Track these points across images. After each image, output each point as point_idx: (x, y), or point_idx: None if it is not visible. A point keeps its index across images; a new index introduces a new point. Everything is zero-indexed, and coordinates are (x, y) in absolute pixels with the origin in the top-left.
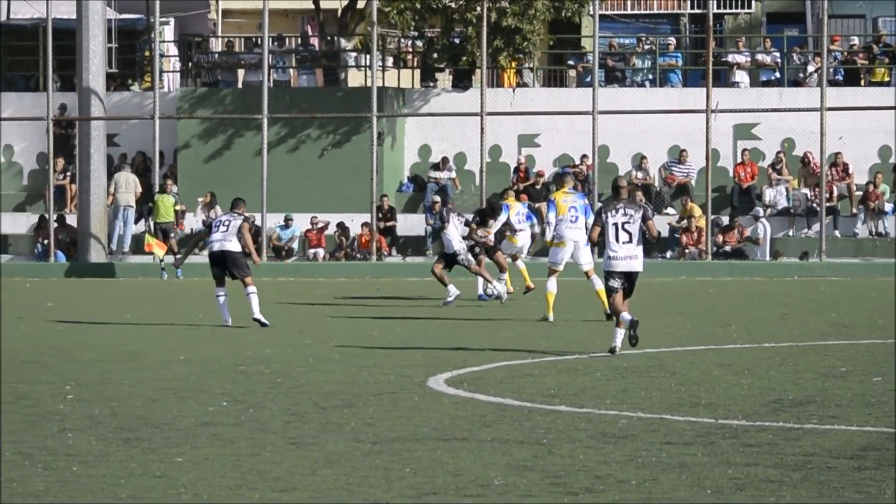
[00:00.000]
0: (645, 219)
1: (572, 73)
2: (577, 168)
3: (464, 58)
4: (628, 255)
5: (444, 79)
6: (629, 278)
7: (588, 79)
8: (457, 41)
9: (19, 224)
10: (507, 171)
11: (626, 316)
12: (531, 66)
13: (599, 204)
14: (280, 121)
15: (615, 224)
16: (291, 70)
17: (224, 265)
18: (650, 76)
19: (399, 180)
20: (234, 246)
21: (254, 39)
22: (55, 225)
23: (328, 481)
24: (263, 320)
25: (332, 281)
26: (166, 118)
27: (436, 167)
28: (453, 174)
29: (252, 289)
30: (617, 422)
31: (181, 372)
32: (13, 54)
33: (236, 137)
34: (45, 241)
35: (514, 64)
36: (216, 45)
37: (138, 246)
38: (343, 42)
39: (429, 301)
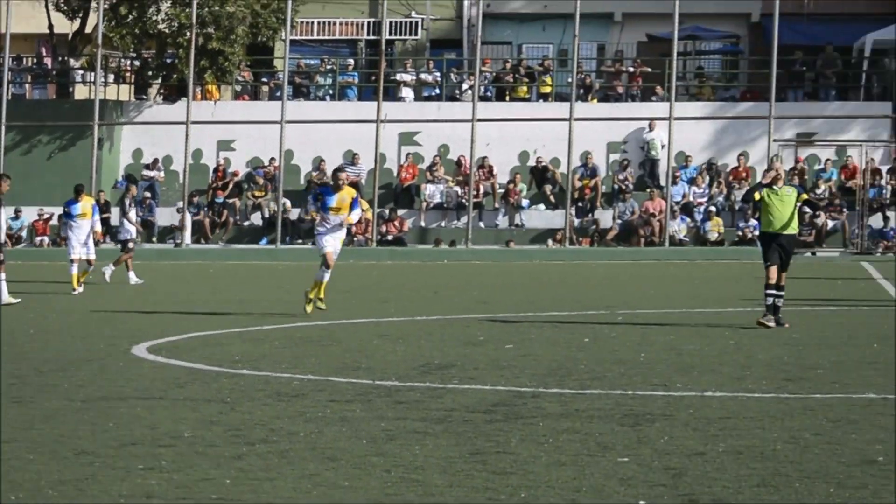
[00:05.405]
0: None
1: (265, 88)
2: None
3: (174, 75)
4: None
5: (154, 93)
6: None
7: (280, 93)
8: (168, 61)
9: None
10: (206, 172)
11: None
12: (231, 81)
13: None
14: (15, 128)
15: None
16: (27, 85)
17: None
18: (330, 91)
19: (115, 178)
20: None
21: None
22: None
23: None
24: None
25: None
26: None
27: (147, 167)
28: (161, 173)
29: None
30: (290, 383)
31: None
32: None
33: None
34: None
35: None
36: None
37: None
38: (72, 61)
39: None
